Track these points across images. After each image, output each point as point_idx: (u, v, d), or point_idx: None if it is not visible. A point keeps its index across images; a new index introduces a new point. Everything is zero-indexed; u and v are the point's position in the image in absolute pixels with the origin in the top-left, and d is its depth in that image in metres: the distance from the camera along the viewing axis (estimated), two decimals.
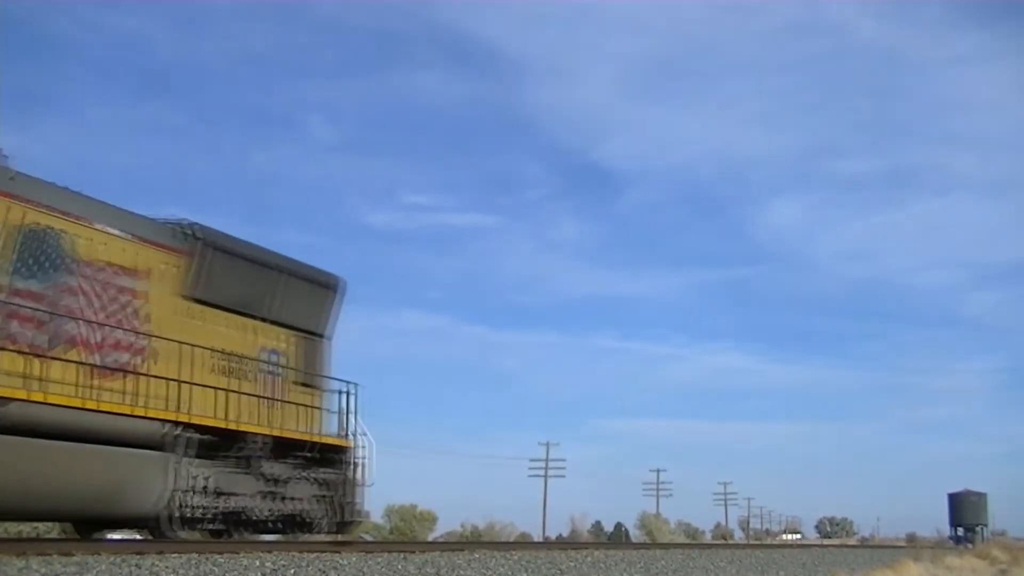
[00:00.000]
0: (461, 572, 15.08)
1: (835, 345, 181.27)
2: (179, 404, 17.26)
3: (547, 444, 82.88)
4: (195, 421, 17.33)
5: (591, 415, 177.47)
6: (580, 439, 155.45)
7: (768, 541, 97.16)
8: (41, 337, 15.43)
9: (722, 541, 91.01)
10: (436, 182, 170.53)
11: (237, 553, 12.58)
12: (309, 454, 20.13)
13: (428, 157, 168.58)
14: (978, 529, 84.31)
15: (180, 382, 17.36)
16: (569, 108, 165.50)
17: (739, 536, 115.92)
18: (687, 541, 79.99)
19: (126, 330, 16.90)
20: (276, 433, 19.17)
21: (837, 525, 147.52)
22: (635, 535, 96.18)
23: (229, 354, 18.76)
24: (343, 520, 20.95)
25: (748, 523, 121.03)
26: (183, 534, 17.10)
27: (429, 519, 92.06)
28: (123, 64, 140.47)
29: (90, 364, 16.15)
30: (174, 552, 11.92)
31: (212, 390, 18.11)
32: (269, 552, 13.08)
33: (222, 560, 11.81)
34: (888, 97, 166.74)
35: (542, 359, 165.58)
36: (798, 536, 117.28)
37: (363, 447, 21.53)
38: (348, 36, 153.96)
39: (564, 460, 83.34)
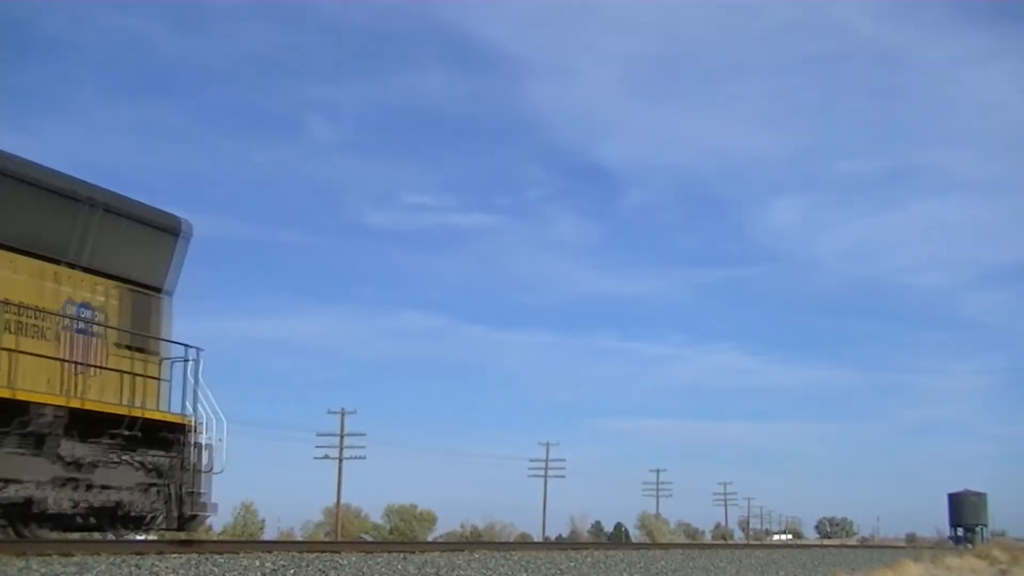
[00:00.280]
0: (461, 572, 15.09)
1: (835, 345, 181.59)
2: None
3: (547, 444, 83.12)
4: None
5: (591, 415, 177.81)
6: (580, 439, 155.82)
7: (754, 541, 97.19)
8: None
9: (722, 541, 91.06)
10: (436, 182, 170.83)
11: (237, 553, 12.58)
12: (129, 432, 16.26)
13: (428, 157, 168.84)
14: (978, 529, 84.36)
15: None
16: (569, 108, 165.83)
17: (739, 536, 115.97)
18: (687, 541, 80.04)
19: None
20: (75, 404, 15.32)
21: (837, 525, 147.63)
22: (635, 535, 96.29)
23: (16, 305, 14.96)
24: (183, 514, 17.22)
25: (748, 523, 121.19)
26: None
27: (429, 519, 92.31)
28: (123, 64, 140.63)
29: None
30: (174, 552, 11.93)
31: None
32: (269, 552, 13.08)
33: (222, 560, 11.81)
34: (888, 97, 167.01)
35: (542, 359, 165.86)
36: (788, 536, 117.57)
37: (210, 426, 17.46)
38: (348, 36, 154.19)
39: (564, 460, 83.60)
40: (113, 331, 16.87)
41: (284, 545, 16.45)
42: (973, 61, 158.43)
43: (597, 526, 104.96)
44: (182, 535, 17.25)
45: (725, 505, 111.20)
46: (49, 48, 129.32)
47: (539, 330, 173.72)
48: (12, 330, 14.89)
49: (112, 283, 17.05)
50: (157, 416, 16.99)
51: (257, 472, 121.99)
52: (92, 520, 16.39)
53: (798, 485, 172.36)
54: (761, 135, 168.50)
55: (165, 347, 17.82)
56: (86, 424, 15.61)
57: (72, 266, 16.35)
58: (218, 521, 75.81)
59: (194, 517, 17.42)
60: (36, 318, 15.42)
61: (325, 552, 13.96)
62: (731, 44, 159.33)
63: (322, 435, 66.63)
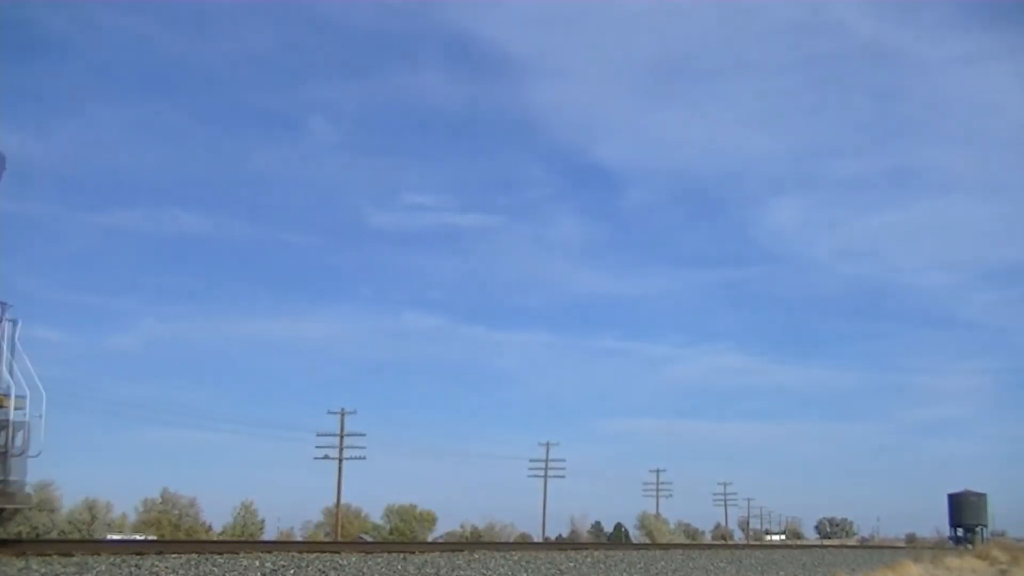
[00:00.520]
0: (461, 573, 15.08)
1: (835, 345, 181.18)
2: None
3: (547, 444, 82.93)
4: None
5: (591, 415, 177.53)
6: (580, 439, 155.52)
7: (754, 541, 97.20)
8: None
9: (722, 542, 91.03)
10: (437, 182, 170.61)
11: (237, 553, 12.59)
12: None
13: (429, 157, 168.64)
14: (978, 529, 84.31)
15: None
16: (569, 108, 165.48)
17: (739, 537, 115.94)
18: (687, 541, 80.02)
19: None
20: None
21: (837, 526, 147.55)
22: (635, 535, 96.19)
23: None
24: None
25: (748, 523, 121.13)
26: None
27: (429, 519, 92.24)
28: (124, 64, 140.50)
29: None
30: (174, 552, 11.93)
31: None
32: (269, 552, 13.09)
33: (222, 560, 11.82)
34: (888, 97, 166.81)
35: (542, 359, 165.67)
36: (781, 537, 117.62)
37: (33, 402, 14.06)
38: (349, 36, 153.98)
39: (564, 460, 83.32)
40: None
41: (284, 545, 16.46)
42: (973, 61, 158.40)
43: (597, 526, 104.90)
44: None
45: (725, 505, 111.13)
46: (49, 48, 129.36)
47: (539, 330, 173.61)
48: None
49: None
50: None
51: (257, 472, 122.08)
52: None
53: (798, 485, 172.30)
54: (761, 135, 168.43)
55: None
56: None
57: None
58: (218, 521, 76.18)
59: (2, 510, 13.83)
60: None
61: (325, 552, 13.96)
62: (730, 44, 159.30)
63: (322, 435, 66.59)
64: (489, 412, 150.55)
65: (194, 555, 11.85)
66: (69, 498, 66.56)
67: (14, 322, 14.41)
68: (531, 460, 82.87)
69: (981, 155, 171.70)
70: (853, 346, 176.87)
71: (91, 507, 67.46)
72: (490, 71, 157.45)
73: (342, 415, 66.71)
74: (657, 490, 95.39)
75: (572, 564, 18.11)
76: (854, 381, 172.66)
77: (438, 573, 14.56)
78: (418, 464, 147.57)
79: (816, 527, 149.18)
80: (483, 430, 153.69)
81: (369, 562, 13.72)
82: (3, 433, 13.79)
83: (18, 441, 13.92)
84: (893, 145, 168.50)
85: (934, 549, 50.72)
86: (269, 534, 76.81)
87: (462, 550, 17.24)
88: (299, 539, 67.78)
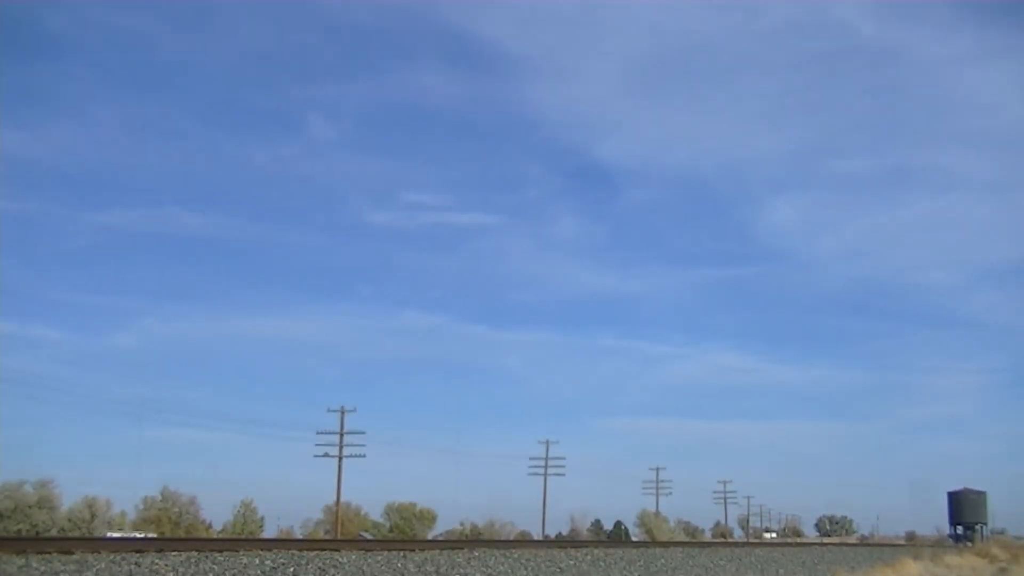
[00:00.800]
0: (461, 570, 15.09)
1: (835, 344, 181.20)
2: None
3: (547, 442, 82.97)
4: None
5: (591, 413, 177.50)
6: (580, 437, 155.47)
7: (754, 539, 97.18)
8: None
9: (721, 539, 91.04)
10: (437, 181, 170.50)
11: (237, 551, 12.59)
12: None
13: (429, 156, 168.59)
14: (978, 528, 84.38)
15: None
16: (569, 107, 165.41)
17: (739, 534, 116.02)
18: (687, 539, 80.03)
19: None
20: None
21: (837, 524, 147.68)
22: (635, 533, 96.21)
23: None
24: None
25: (748, 521, 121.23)
26: None
27: (429, 517, 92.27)
28: (124, 63, 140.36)
29: None
30: (174, 550, 11.92)
31: None
32: (269, 550, 13.09)
33: (222, 558, 11.82)
34: (888, 96, 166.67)
35: (542, 358, 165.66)
36: (772, 535, 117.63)
37: None
38: (349, 35, 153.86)
39: (564, 459, 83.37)
40: None
41: (284, 543, 16.45)
42: (973, 61, 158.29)
43: (597, 524, 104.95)
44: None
45: (725, 503, 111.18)
46: (50, 46, 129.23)
47: (539, 329, 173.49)
48: None
49: None
50: None
51: (257, 471, 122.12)
52: None
53: (798, 484, 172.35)
54: (761, 134, 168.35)
55: None
56: None
57: None
58: (218, 519, 76.20)
59: None
60: None
61: (325, 550, 13.96)
62: (731, 43, 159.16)
63: (322, 433, 66.63)
64: (489, 410, 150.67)
65: (194, 553, 11.85)
66: (69, 496, 66.75)
67: None
68: (531, 458, 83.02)
69: (981, 155, 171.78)
70: (853, 345, 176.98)
71: (91, 505, 67.50)
72: (490, 70, 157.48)
73: (342, 413, 66.79)
74: (657, 488, 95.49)
75: (572, 562, 18.12)
76: (854, 380, 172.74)
77: (438, 571, 14.57)
78: (418, 462, 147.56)
79: (816, 525, 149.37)
80: (483, 428, 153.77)
81: (369, 560, 13.73)
82: None
83: None
84: (893, 144, 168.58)
85: (934, 547, 50.74)
86: (269, 532, 76.93)
87: (462, 548, 17.25)
88: (299, 537, 67.80)
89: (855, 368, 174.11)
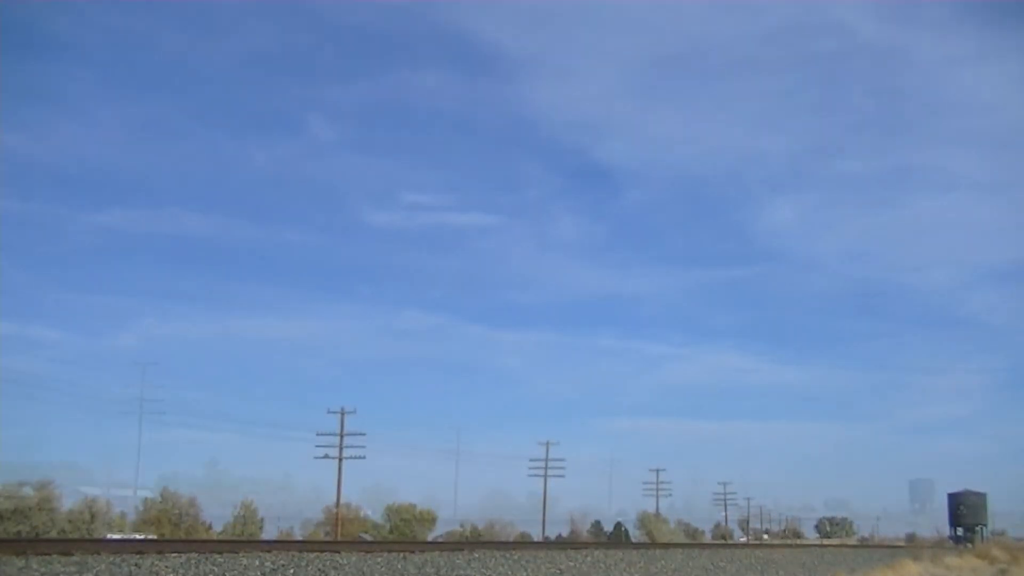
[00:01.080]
0: (461, 572, 15.08)
1: (835, 344, 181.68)
2: None
3: (547, 444, 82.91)
4: None
5: (591, 414, 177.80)
6: (580, 438, 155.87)
7: (754, 541, 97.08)
8: None
9: (722, 541, 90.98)
10: (437, 181, 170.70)
11: (237, 553, 12.58)
12: None
13: (429, 156, 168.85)
14: (978, 529, 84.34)
15: None
16: (569, 108, 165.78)
17: (739, 536, 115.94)
18: (687, 541, 79.98)
19: None
20: None
21: (837, 525, 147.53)
22: (635, 535, 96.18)
23: None
24: None
25: (748, 523, 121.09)
26: None
27: (429, 519, 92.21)
28: (125, 63, 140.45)
29: None
30: (174, 551, 11.92)
31: None
32: (268, 552, 13.08)
33: (222, 559, 11.82)
34: (888, 97, 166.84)
35: (542, 358, 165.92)
36: (765, 536, 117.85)
37: None
38: (349, 36, 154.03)
39: (564, 460, 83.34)
40: None
41: (284, 544, 16.45)
42: (973, 61, 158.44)
43: (597, 525, 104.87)
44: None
45: (725, 505, 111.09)
46: (51, 46, 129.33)
47: (539, 329, 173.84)
48: None
49: None
50: None
51: (257, 472, 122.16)
52: None
53: (798, 484, 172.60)
54: (761, 135, 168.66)
55: None
56: None
57: None
58: (218, 520, 76.10)
59: None
60: None
61: (325, 552, 13.95)
62: (731, 44, 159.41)
63: (322, 435, 66.61)
64: (489, 411, 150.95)
65: (194, 554, 11.85)
66: (69, 497, 66.68)
67: None
68: (531, 459, 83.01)
69: (981, 155, 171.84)
70: (853, 345, 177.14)
71: (91, 506, 67.48)
72: (490, 70, 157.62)
73: (342, 414, 66.74)
74: (657, 489, 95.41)
75: (572, 563, 18.11)
76: (854, 380, 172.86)
77: (438, 572, 14.56)
78: (418, 463, 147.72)
79: (816, 526, 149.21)
80: (483, 429, 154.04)
81: (369, 561, 13.72)
82: None
83: None
84: (893, 144, 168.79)
85: (934, 548, 50.70)
86: (269, 533, 76.81)
87: (462, 549, 17.25)
88: (299, 538, 67.73)
89: (855, 368, 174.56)
